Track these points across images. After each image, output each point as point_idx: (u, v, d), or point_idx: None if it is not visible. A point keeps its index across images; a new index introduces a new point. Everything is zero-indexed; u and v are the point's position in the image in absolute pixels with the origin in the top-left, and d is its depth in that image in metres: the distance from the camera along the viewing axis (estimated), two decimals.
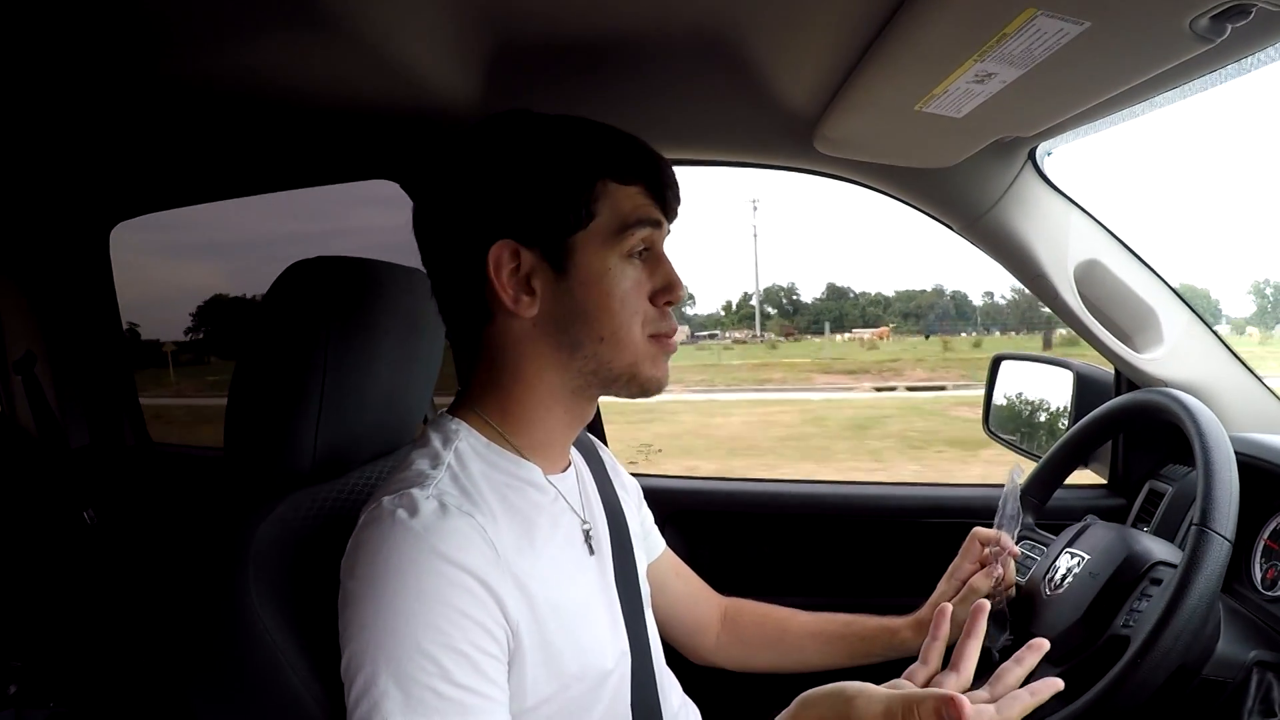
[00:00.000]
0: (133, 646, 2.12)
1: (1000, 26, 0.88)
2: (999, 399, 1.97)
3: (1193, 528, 1.02)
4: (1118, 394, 1.70)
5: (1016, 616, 1.21)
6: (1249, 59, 1.05)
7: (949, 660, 0.92)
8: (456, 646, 0.83)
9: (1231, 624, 1.12)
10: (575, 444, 1.18)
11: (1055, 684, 0.86)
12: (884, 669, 1.06)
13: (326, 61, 1.29)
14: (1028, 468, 1.50)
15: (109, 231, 2.37)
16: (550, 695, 0.94)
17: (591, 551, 1.07)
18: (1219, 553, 0.99)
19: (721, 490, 2.01)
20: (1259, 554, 1.36)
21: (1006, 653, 1.13)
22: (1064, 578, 1.17)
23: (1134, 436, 1.76)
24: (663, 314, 1.01)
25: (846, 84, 1.20)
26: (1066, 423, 1.77)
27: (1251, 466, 1.35)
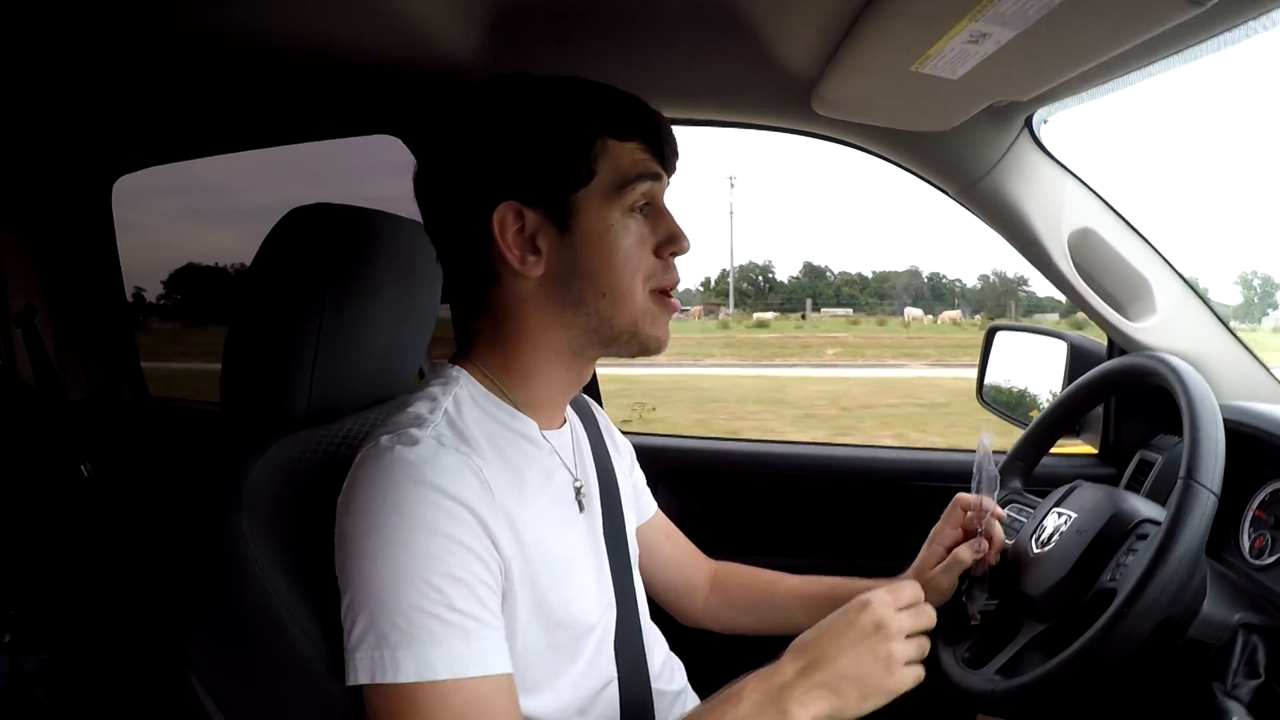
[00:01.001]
0: (126, 595, 2.14)
1: None
2: (993, 369, 1.98)
3: (1179, 481, 1.02)
4: None
5: (1004, 575, 1.22)
6: (1241, 27, 1.05)
7: None
8: (454, 574, 0.85)
9: (1218, 587, 1.13)
10: (571, 404, 1.19)
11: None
12: None
13: (331, 14, 1.29)
14: (1007, 435, 1.52)
15: (112, 185, 2.38)
16: (536, 639, 0.96)
17: (581, 509, 1.09)
18: (1205, 505, 0.99)
19: (713, 450, 2.03)
20: (1247, 523, 1.36)
21: (988, 615, 1.15)
22: (1051, 535, 1.18)
23: (1125, 407, 1.77)
24: (666, 266, 1.02)
25: (843, 44, 1.20)
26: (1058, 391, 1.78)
27: (1241, 434, 1.35)
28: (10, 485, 2.19)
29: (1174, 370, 1.15)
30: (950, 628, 1.22)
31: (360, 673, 0.84)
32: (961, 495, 1.28)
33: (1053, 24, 0.95)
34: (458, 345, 1.09)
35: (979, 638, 1.18)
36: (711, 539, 1.52)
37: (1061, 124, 1.50)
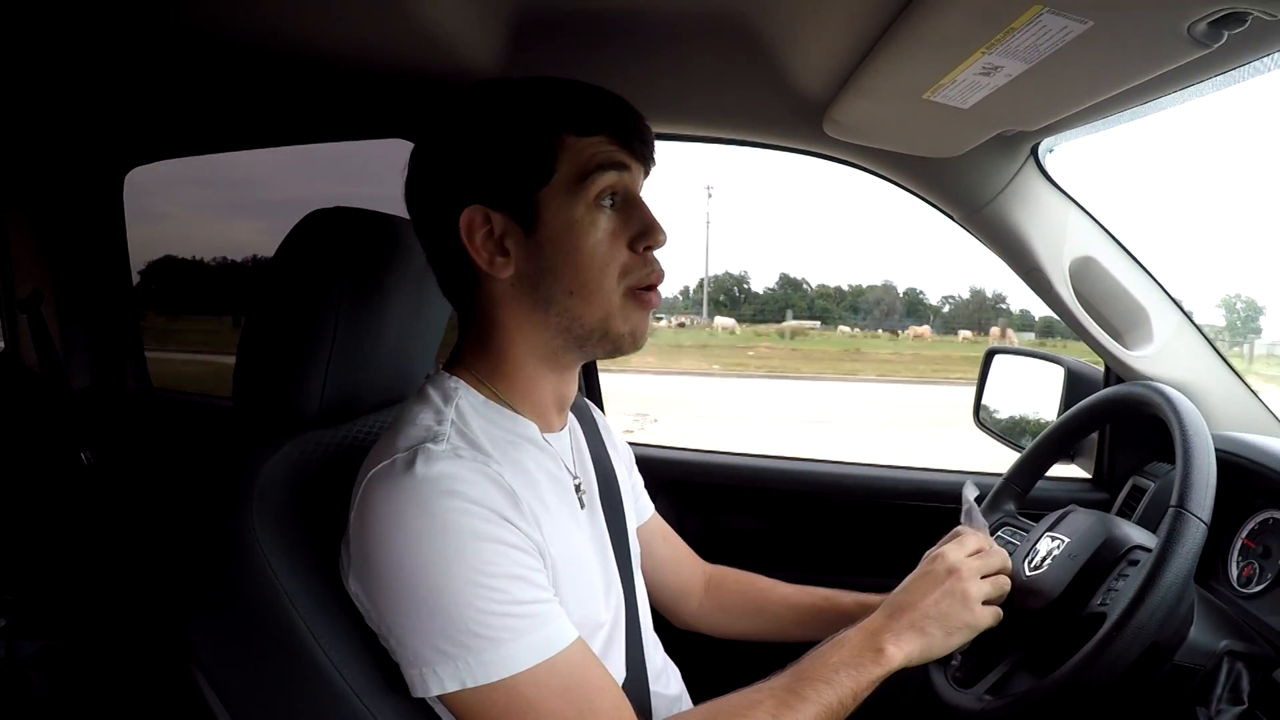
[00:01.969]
0: (124, 585, 2.14)
1: (1008, 21, 0.90)
2: (990, 392, 2.00)
3: (1170, 509, 1.03)
4: None
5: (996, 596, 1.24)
6: (1246, 67, 1.07)
7: None
8: (510, 571, 0.88)
9: (1205, 615, 1.14)
10: (570, 407, 1.21)
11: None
12: None
13: (349, 18, 1.30)
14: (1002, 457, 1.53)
15: (124, 176, 2.38)
16: None
17: (582, 506, 1.10)
18: (1195, 534, 1.00)
19: (714, 463, 2.03)
20: (1236, 551, 1.38)
21: (979, 635, 1.16)
22: (1044, 559, 1.18)
23: (1119, 434, 1.78)
24: (644, 261, 1.01)
25: (858, 70, 1.22)
26: (1054, 416, 1.79)
27: (1232, 464, 1.37)
28: (10, 470, 2.19)
29: (1169, 400, 1.16)
30: None
31: (447, 682, 0.86)
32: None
33: (1063, 60, 0.97)
34: (451, 352, 1.10)
35: (969, 657, 1.19)
36: (709, 552, 1.53)
37: (1068, 144, 1.52)
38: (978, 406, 2.00)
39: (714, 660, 1.46)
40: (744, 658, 1.39)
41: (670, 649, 1.33)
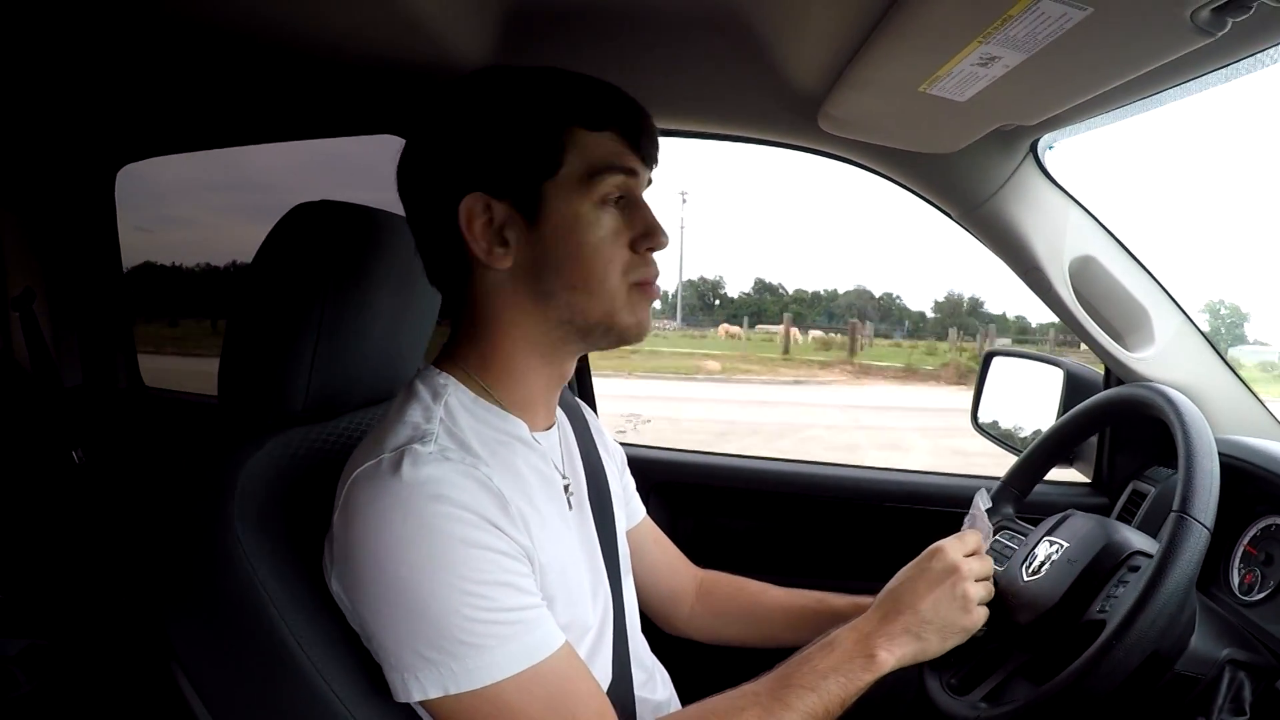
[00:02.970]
0: (112, 584, 2.14)
1: (1005, 8, 0.88)
2: (989, 394, 1.98)
3: (1172, 514, 1.02)
4: None
5: (992, 602, 1.22)
6: (1249, 59, 1.06)
7: None
8: (497, 579, 0.87)
9: (1206, 623, 1.12)
10: (562, 405, 1.20)
11: None
12: None
13: (339, 11, 1.29)
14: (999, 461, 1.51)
15: (115, 173, 2.38)
16: None
17: (570, 507, 1.09)
18: (1197, 539, 0.99)
19: (706, 464, 2.03)
20: (1238, 558, 1.36)
21: (975, 641, 1.14)
22: (1042, 564, 1.17)
23: (1119, 437, 1.77)
24: (644, 260, 1.00)
25: (852, 62, 1.20)
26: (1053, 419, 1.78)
27: (1234, 469, 1.36)
28: (1, 468, 2.18)
29: (1171, 402, 1.15)
30: None
31: (430, 688, 0.85)
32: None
33: (1062, 50, 0.95)
34: (443, 346, 1.09)
35: (965, 664, 1.18)
36: (701, 554, 1.52)
37: (1068, 140, 1.51)
38: (976, 409, 1.99)
39: (706, 663, 1.45)
40: (736, 661, 1.37)
41: (661, 652, 1.32)
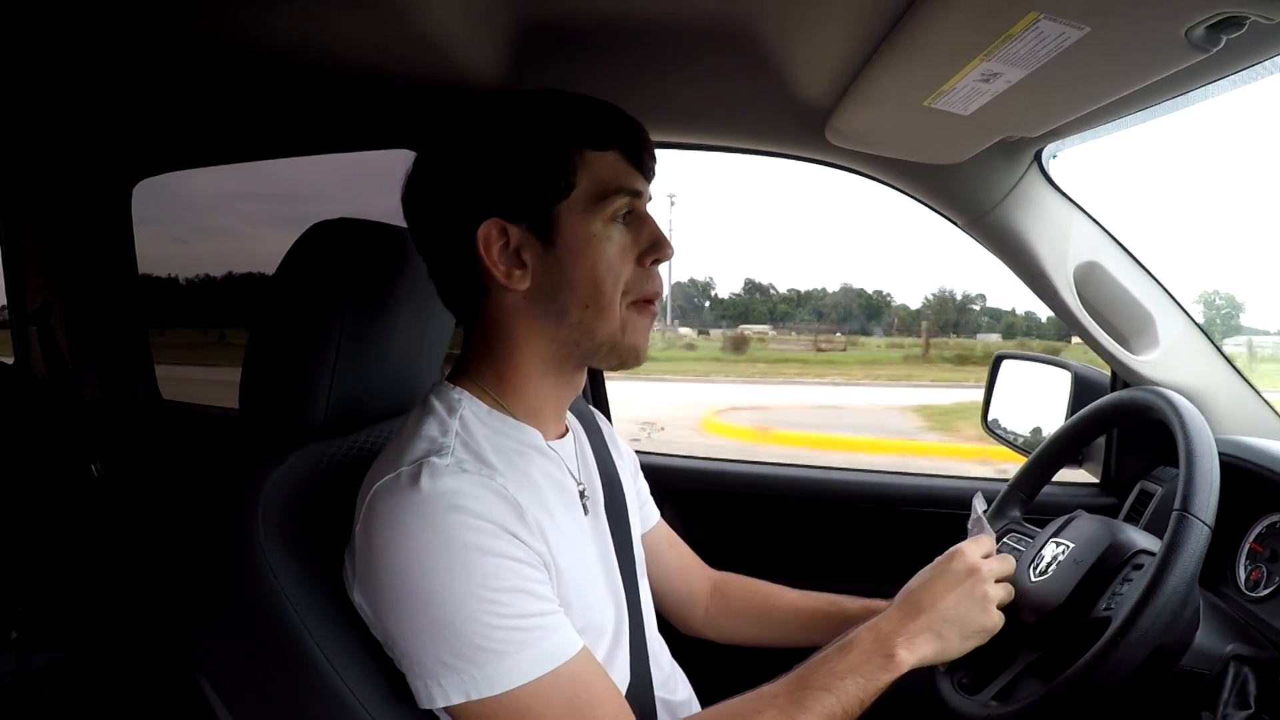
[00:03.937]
0: (135, 597, 2.15)
1: (1005, 28, 0.90)
2: (998, 397, 1.99)
3: (1173, 513, 1.03)
4: None
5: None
6: (1247, 70, 1.07)
7: None
8: (515, 586, 0.89)
9: (1212, 619, 1.13)
10: (575, 413, 1.22)
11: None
12: None
13: (355, 27, 1.30)
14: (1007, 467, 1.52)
15: (132, 188, 2.40)
16: None
17: (586, 512, 1.11)
18: (1198, 536, 1.00)
19: (720, 471, 2.04)
20: (1244, 556, 1.38)
21: (987, 642, 1.16)
22: (1049, 565, 1.18)
23: (1126, 438, 1.78)
24: (648, 274, 1.03)
25: (859, 78, 1.22)
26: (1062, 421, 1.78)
27: (1239, 469, 1.37)
28: (21, 482, 2.20)
29: (1171, 404, 1.16)
30: None
31: (452, 694, 0.87)
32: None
33: (1062, 66, 0.97)
34: (455, 361, 1.11)
35: (975, 663, 1.19)
36: (716, 559, 1.53)
37: (1072, 148, 1.52)
38: (986, 412, 1.99)
39: (724, 665, 1.46)
40: (754, 663, 1.39)
41: (680, 654, 1.33)
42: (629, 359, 1.04)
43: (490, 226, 0.97)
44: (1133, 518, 1.59)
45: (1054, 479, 1.48)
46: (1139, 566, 1.12)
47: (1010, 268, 1.63)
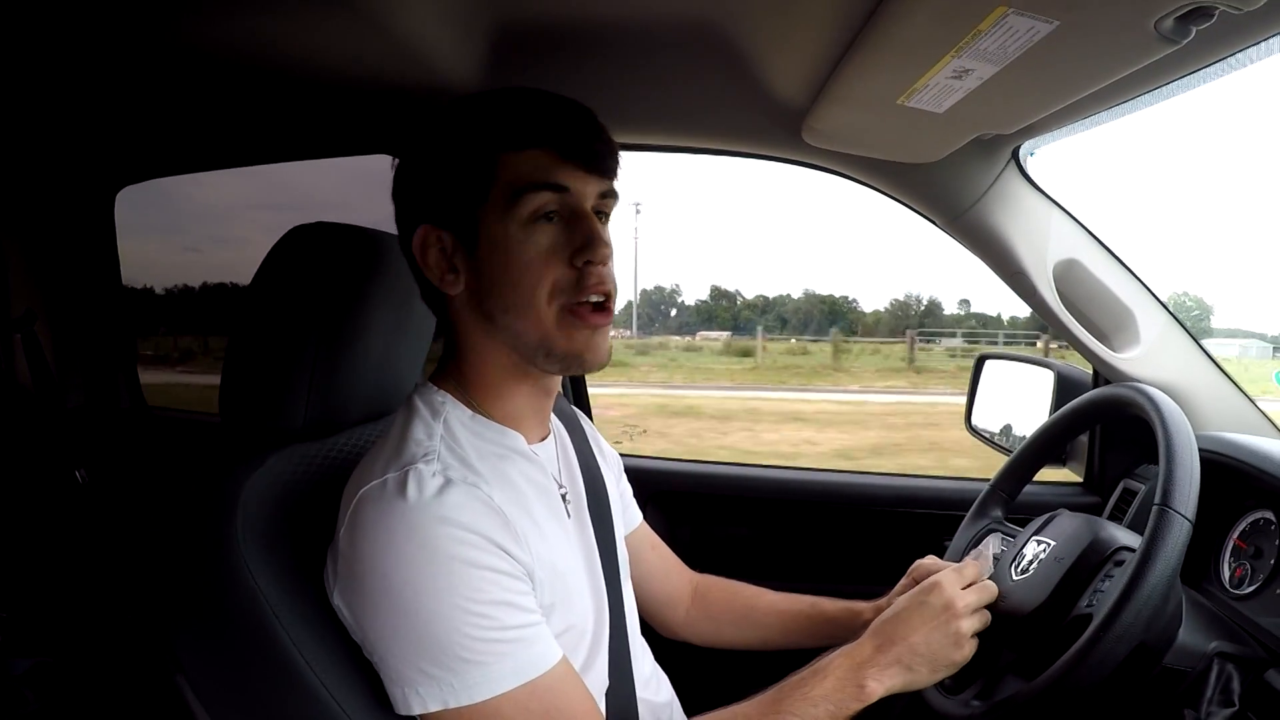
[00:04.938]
0: (118, 602, 2.15)
1: (974, 23, 0.91)
2: (981, 397, 1.99)
3: (1154, 507, 1.03)
4: None
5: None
6: (1217, 64, 1.08)
7: None
8: (497, 598, 0.89)
9: (1195, 616, 1.14)
10: (558, 414, 1.22)
11: None
12: None
13: (332, 33, 1.30)
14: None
15: (114, 195, 2.40)
16: None
17: (569, 515, 1.11)
18: (1179, 531, 1.00)
19: (703, 473, 2.04)
20: (1228, 553, 1.38)
21: None
22: (1030, 563, 1.18)
23: (1109, 436, 1.78)
24: (583, 275, 0.97)
25: (832, 77, 1.22)
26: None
27: (1222, 465, 1.38)
28: (5, 489, 2.19)
29: (1149, 399, 1.16)
30: None
31: (430, 702, 0.88)
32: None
33: (1033, 61, 0.98)
34: (437, 364, 1.11)
35: None
36: (698, 561, 1.53)
37: (1051, 146, 1.52)
38: (969, 412, 2.00)
39: (704, 667, 1.46)
40: (734, 665, 1.39)
41: (661, 656, 1.33)
42: (573, 365, 1.01)
43: (425, 232, 0.99)
44: (1116, 516, 1.60)
45: (1037, 478, 1.48)
46: (1120, 563, 1.12)
47: (989, 266, 1.63)
